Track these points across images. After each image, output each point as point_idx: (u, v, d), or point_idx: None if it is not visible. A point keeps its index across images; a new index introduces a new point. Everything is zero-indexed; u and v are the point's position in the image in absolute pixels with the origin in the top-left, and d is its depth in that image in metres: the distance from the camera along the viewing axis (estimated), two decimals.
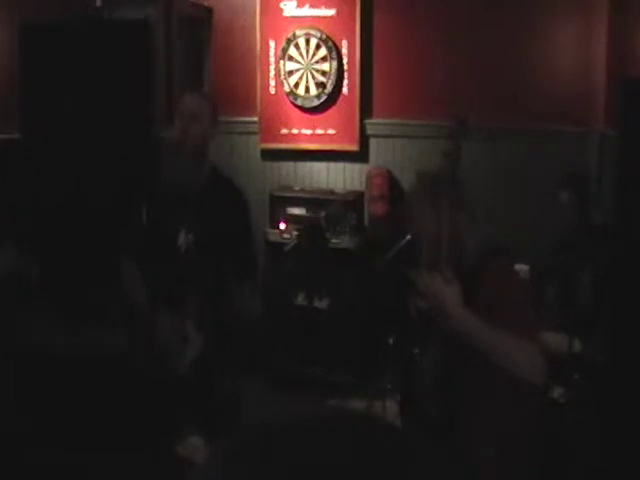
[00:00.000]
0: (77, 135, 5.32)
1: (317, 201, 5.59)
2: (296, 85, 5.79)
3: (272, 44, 5.83)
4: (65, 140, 5.34)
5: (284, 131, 5.90)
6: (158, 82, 5.77)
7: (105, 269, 4.72)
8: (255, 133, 5.98)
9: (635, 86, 3.82)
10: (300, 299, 5.55)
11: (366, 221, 5.65)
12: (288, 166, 5.96)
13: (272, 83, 5.89)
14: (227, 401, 3.57)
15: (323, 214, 5.25)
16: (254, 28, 5.87)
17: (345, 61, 5.64)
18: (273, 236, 5.61)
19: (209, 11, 6.06)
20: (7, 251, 4.70)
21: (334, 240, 5.42)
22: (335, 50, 5.62)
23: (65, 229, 5.26)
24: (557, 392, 4.16)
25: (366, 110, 5.69)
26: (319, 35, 5.67)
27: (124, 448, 3.57)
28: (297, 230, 5.34)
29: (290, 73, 5.79)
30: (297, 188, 5.87)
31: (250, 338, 3.99)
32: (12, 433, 3.72)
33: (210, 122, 3.53)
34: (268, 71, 5.88)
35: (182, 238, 3.46)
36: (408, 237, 4.87)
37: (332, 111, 5.74)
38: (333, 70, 5.64)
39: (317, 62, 5.69)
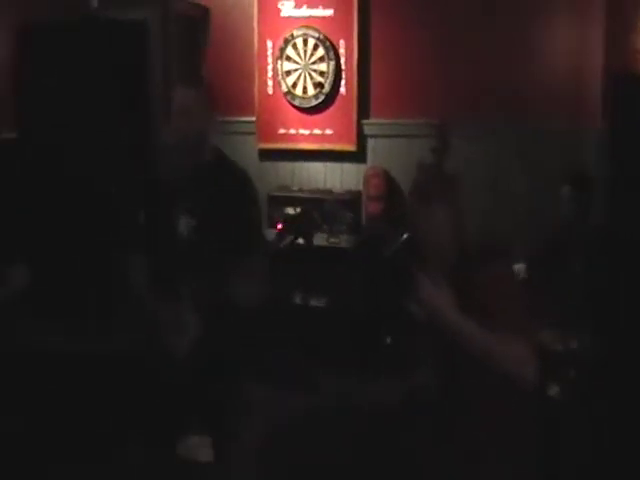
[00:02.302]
0: (74, 135, 5.40)
1: (315, 201, 5.64)
2: (294, 85, 5.88)
3: (270, 44, 5.93)
4: (62, 140, 5.41)
5: (282, 131, 5.99)
6: (155, 82, 5.83)
7: (108, 266, 4.81)
8: (252, 133, 6.07)
9: (627, 82, 3.91)
10: (298, 298, 5.55)
11: (363, 221, 5.72)
12: (286, 166, 6.05)
13: (270, 83, 5.99)
14: (229, 397, 3.50)
15: (319, 211, 5.43)
16: (252, 28, 5.97)
17: (342, 61, 5.73)
18: (271, 236, 5.52)
19: (206, 11, 6.15)
20: (20, 270, 4.79)
21: (332, 239, 5.54)
22: (333, 50, 5.72)
23: (65, 228, 5.31)
24: (553, 390, 4.25)
25: (364, 110, 5.78)
26: (317, 35, 5.76)
27: (123, 447, 3.53)
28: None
29: (288, 73, 5.88)
30: (295, 188, 5.97)
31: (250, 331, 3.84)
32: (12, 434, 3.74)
33: (204, 116, 3.45)
34: (266, 71, 5.98)
35: (183, 223, 3.45)
36: (405, 236, 5.04)
37: (330, 111, 5.84)
38: (331, 70, 5.73)
39: (315, 62, 5.79)
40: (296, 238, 4.93)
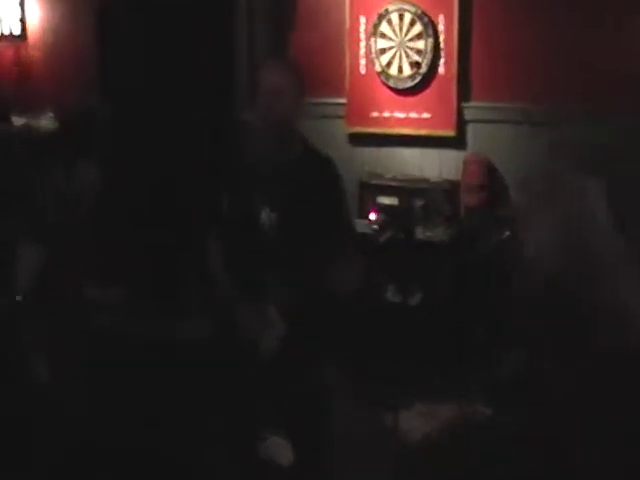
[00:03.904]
0: (154, 114, 5.47)
1: (410, 190, 5.57)
2: (388, 64, 5.65)
3: (362, 20, 5.70)
4: (144, 118, 5.47)
5: (374, 114, 5.77)
6: (239, 60, 5.85)
7: (189, 251, 4.78)
8: (343, 116, 5.88)
9: None
10: (389, 294, 5.50)
11: (461, 212, 5.50)
12: (379, 152, 5.82)
13: (362, 62, 5.76)
14: (312, 399, 3.53)
15: (420, 203, 5.46)
16: (343, 2, 5.76)
17: (442, 39, 5.45)
18: (362, 227, 5.48)
19: None
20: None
21: (427, 233, 5.40)
22: (431, 27, 5.44)
23: (146, 213, 5.39)
24: None
25: (464, 92, 5.50)
26: (414, 10, 5.50)
27: (202, 444, 3.66)
28: (388, 220, 5.48)
29: (382, 51, 5.65)
30: (388, 176, 5.74)
31: (338, 329, 3.91)
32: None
33: (295, 98, 3.43)
34: (358, 49, 5.75)
35: (264, 215, 3.44)
36: (507, 233, 4.92)
37: (427, 93, 5.57)
38: (429, 48, 5.46)
39: (411, 39, 5.53)
40: (397, 233, 5.41)
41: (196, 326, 4.44)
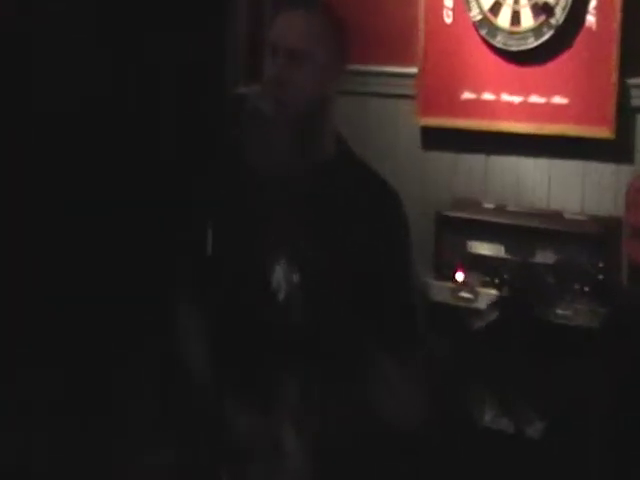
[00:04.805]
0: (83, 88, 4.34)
1: (530, 232, 4.11)
2: (494, 9, 4.16)
3: None
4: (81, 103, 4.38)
5: (467, 95, 4.36)
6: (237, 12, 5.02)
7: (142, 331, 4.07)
8: (411, 97, 4.47)
9: None
10: (489, 419, 4.12)
11: (623, 276, 3.96)
12: (473, 162, 4.42)
13: (448, 4, 4.29)
14: None
15: (549, 258, 4.41)
16: None
17: None
18: (441, 293, 4.14)
19: None
20: None
21: (560, 311, 3.97)
22: None
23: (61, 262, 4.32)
24: None
25: (631, 62, 3.98)
26: None
27: None
28: (489, 285, 4.23)
29: None
30: (489, 204, 4.39)
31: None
32: None
33: (328, 61, 2.45)
34: None
35: (279, 276, 2.56)
36: None
37: (563, 61, 4.09)
38: None
39: None
40: (506, 310, 4.33)
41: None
